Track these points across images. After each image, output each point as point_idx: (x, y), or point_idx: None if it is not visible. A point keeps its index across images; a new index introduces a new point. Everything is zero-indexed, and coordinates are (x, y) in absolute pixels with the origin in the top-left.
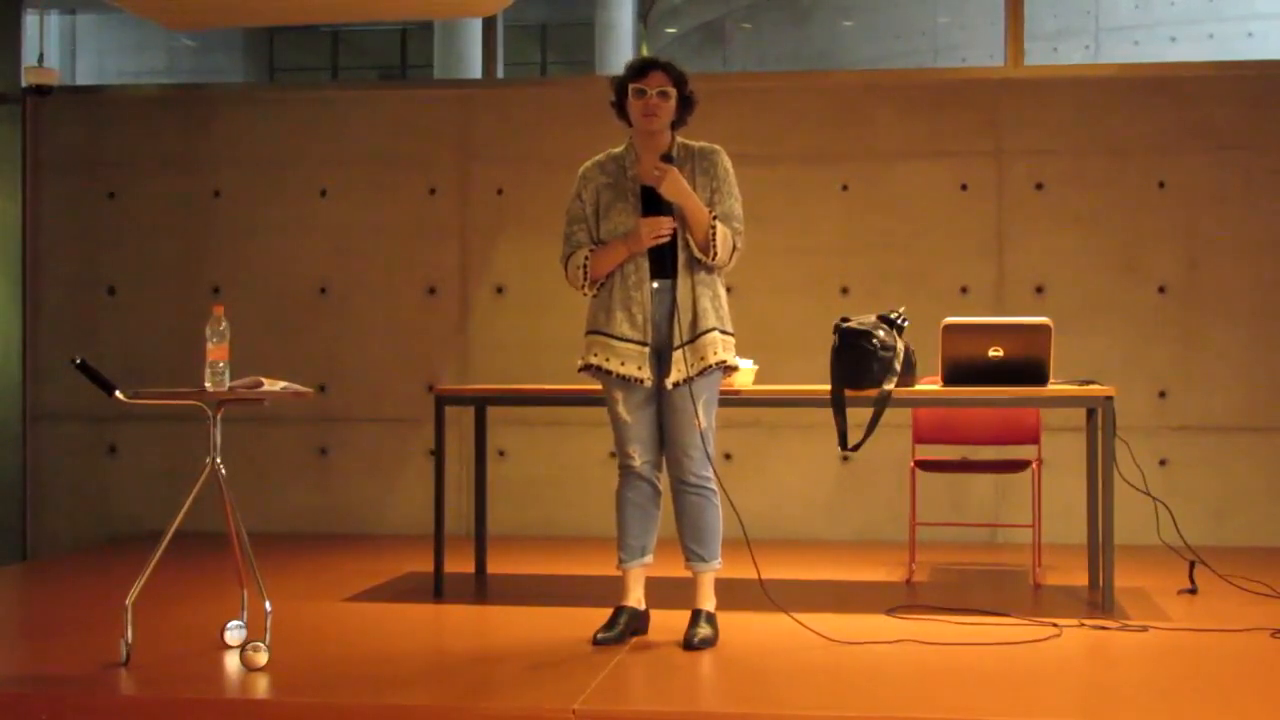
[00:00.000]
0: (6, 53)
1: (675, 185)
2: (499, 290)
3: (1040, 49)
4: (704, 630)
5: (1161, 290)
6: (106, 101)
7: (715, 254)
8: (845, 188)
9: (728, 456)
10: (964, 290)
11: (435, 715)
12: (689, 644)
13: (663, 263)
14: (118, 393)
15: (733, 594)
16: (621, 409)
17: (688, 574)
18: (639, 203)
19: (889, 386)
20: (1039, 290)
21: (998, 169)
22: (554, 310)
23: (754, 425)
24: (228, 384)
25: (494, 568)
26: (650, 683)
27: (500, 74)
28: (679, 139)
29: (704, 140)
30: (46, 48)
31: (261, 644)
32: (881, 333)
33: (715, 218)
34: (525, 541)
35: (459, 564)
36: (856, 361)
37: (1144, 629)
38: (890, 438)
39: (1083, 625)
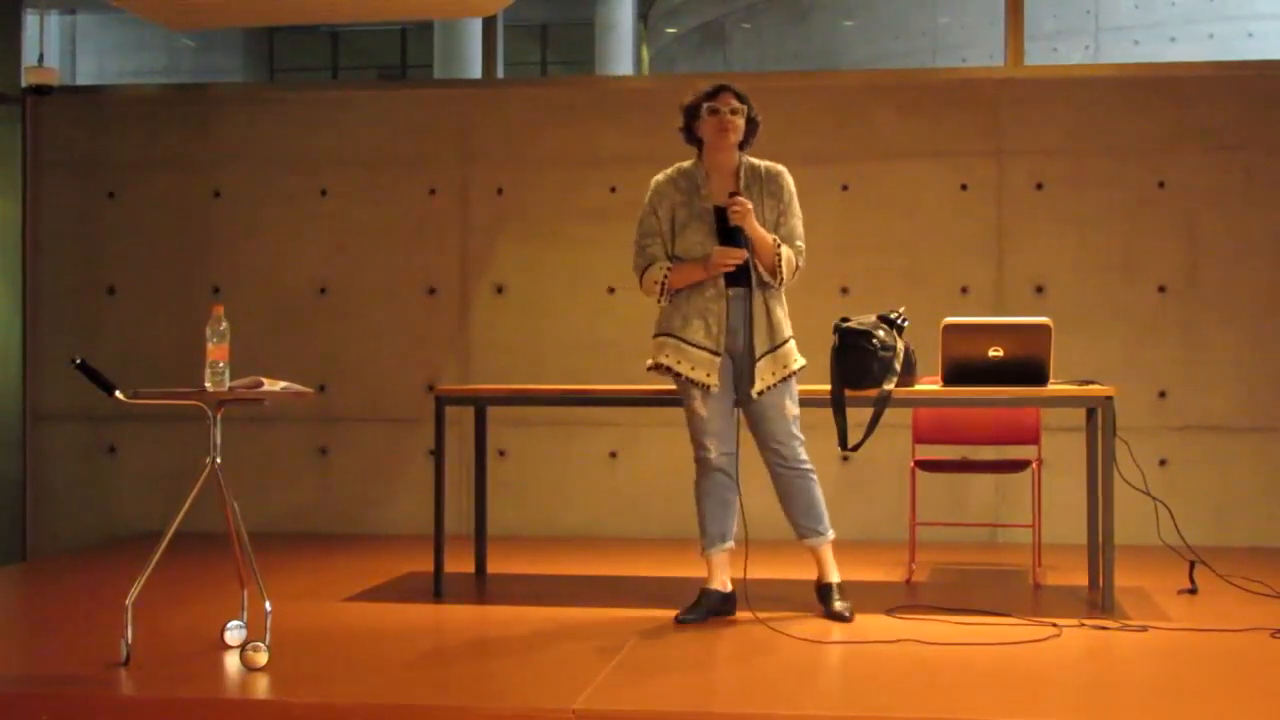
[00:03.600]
0: (6, 53)
1: (747, 220)
2: (499, 290)
3: (1040, 49)
4: (841, 603)
5: (1161, 290)
6: (106, 101)
7: (781, 279)
8: (845, 188)
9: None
10: (964, 290)
11: (435, 715)
12: (831, 614)
13: (738, 275)
14: (118, 393)
15: (737, 592)
16: (698, 404)
17: (676, 575)
18: (714, 224)
19: (889, 386)
20: (1039, 290)
21: (998, 169)
22: (554, 310)
23: None
24: (228, 384)
25: (494, 568)
26: (650, 683)
27: (500, 74)
28: (745, 158)
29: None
30: (46, 48)
31: (261, 644)
32: (881, 333)
33: (779, 244)
34: (525, 541)
35: (459, 564)
36: (856, 361)
37: (1144, 629)
38: (890, 438)
39: (1083, 625)
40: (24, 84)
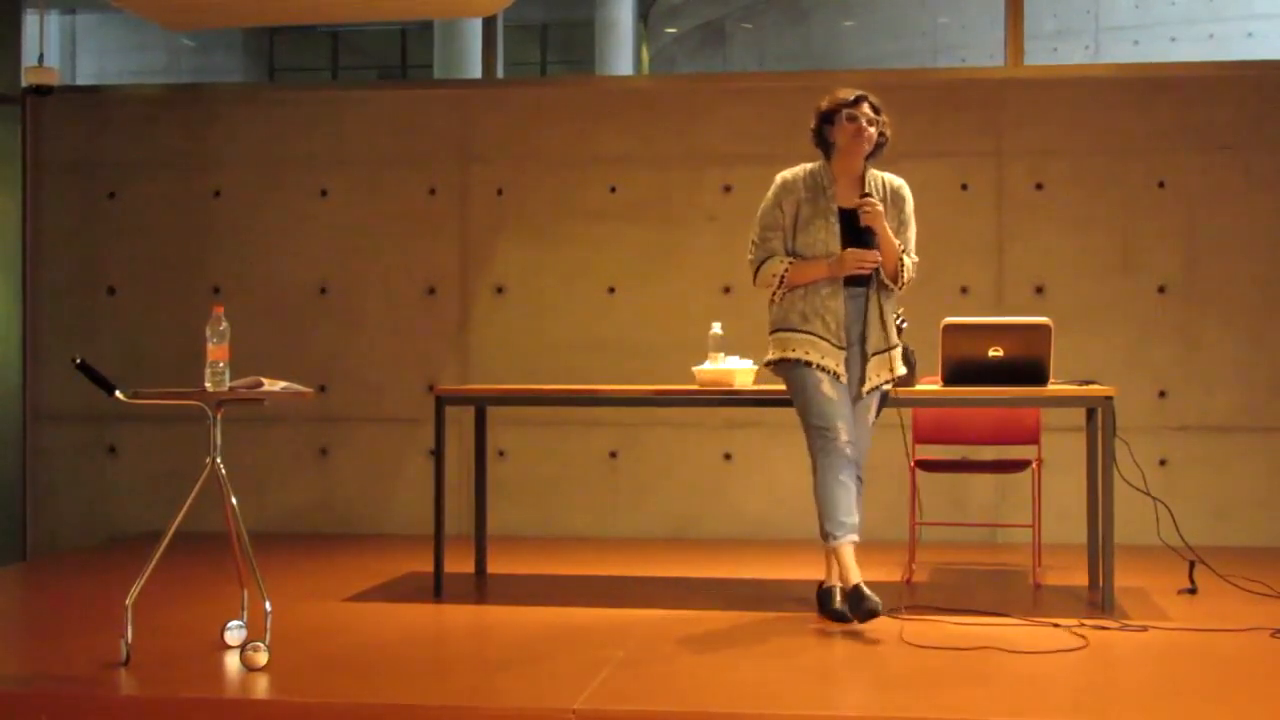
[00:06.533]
0: (6, 53)
1: (880, 221)
2: (499, 290)
3: (1040, 49)
4: (841, 604)
5: (1161, 290)
6: (106, 101)
7: (901, 283)
8: None
9: (728, 456)
10: (964, 290)
11: (435, 715)
12: (831, 614)
13: (856, 277)
14: (118, 393)
15: (737, 592)
16: (826, 387)
17: (676, 575)
18: (838, 225)
19: (887, 387)
20: (1039, 290)
21: (998, 169)
22: (554, 310)
23: (754, 425)
24: (228, 384)
25: (494, 568)
26: (650, 683)
27: (500, 74)
28: (869, 168)
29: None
30: (46, 48)
31: (261, 644)
32: None
33: (903, 249)
34: (525, 541)
35: (459, 564)
36: None
37: (1144, 629)
38: (890, 438)
39: (1083, 625)
40: (24, 84)
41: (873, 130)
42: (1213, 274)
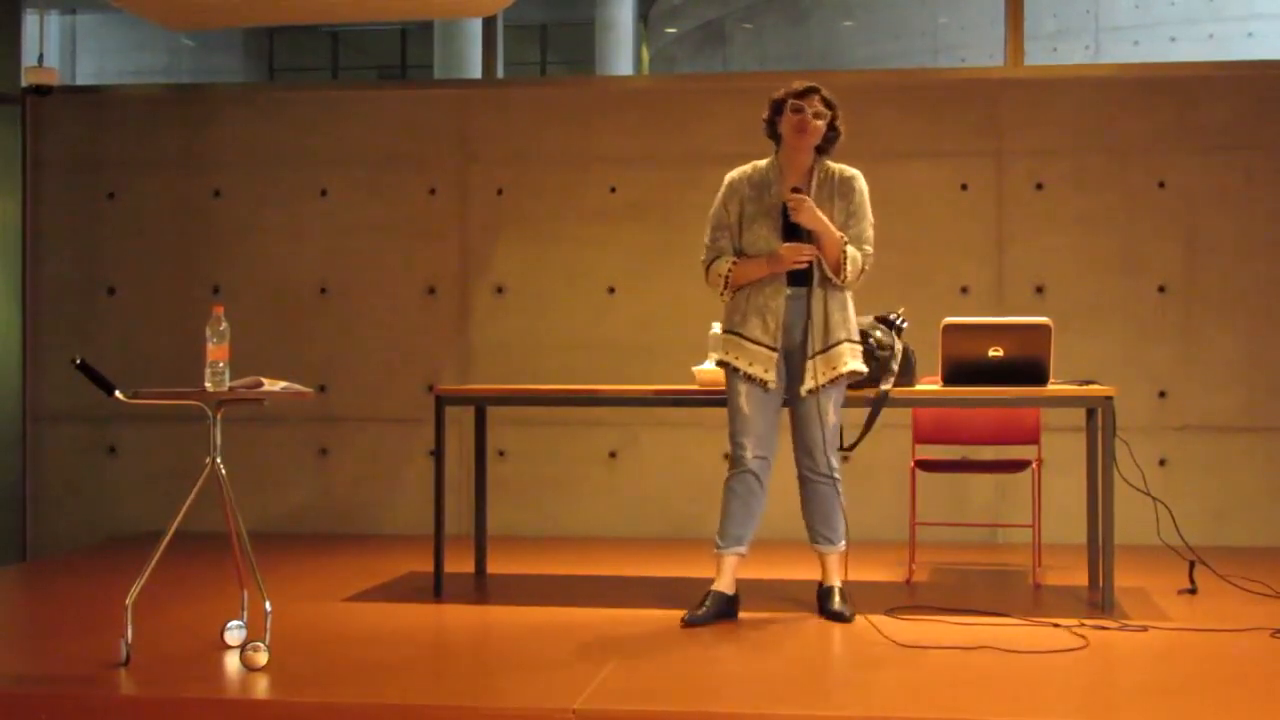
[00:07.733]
0: (6, 53)
1: (810, 214)
2: (499, 290)
3: (1040, 49)
4: (840, 604)
5: (1161, 290)
6: (106, 101)
7: (845, 276)
8: None
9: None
10: (964, 290)
11: (435, 715)
12: (828, 614)
13: (798, 274)
14: (118, 393)
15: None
16: (743, 401)
17: (676, 575)
18: (780, 221)
19: (886, 386)
20: (1039, 290)
21: (998, 169)
22: (554, 310)
23: None
24: (228, 384)
25: (494, 568)
26: (650, 683)
27: (500, 74)
28: (822, 161)
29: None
30: (46, 48)
31: (261, 644)
32: (879, 333)
33: (847, 242)
34: (525, 541)
35: (459, 564)
36: None
37: (1144, 629)
38: (890, 438)
39: (1083, 625)
40: (24, 84)
41: (819, 123)
42: (1213, 274)
